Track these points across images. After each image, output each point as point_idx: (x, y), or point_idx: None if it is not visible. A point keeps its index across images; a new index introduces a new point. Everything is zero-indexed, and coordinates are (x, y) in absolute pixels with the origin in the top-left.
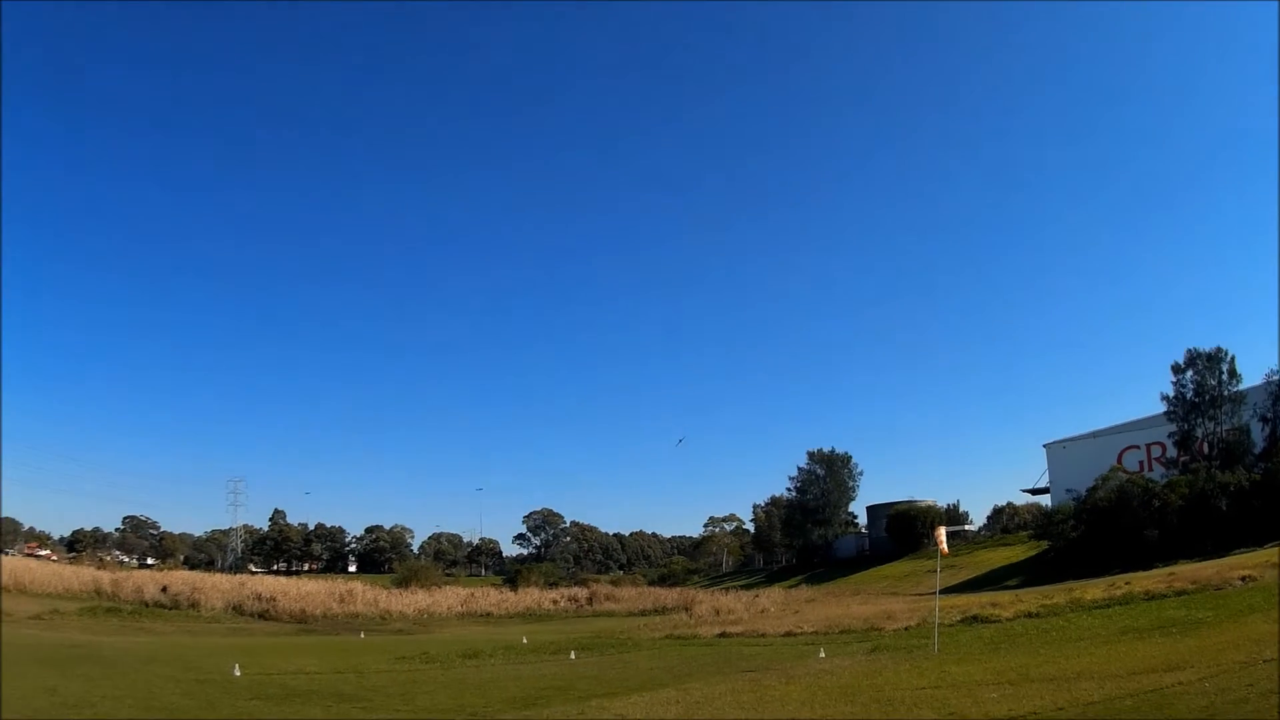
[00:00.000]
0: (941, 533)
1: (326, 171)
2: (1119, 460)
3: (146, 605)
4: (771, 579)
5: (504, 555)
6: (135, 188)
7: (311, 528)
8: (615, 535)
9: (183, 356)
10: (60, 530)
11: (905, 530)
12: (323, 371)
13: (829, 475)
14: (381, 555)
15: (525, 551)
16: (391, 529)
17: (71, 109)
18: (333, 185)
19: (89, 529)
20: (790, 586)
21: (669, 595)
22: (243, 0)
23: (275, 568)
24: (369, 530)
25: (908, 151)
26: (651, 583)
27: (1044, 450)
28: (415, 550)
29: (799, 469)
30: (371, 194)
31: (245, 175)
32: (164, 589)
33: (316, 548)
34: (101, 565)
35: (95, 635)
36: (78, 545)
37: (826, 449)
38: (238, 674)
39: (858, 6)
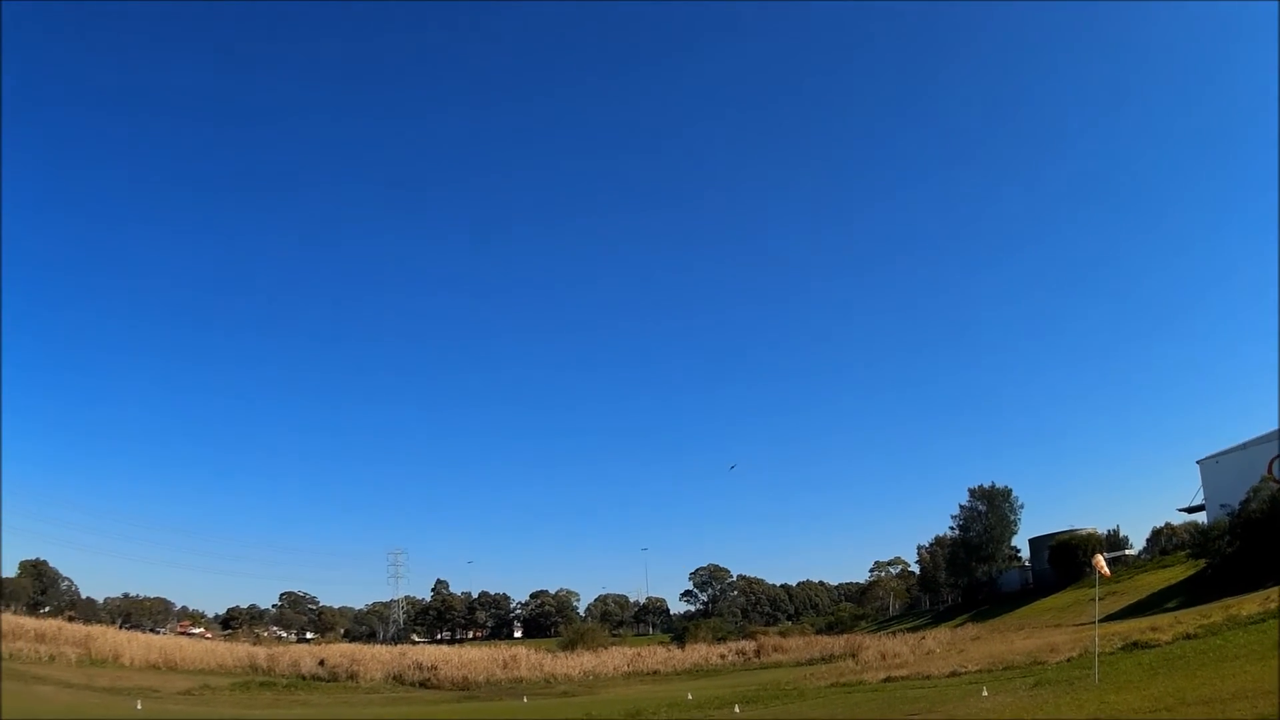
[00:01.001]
0: (1100, 560)
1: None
2: (1269, 470)
3: (303, 678)
4: (938, 619)
5: (671, 613)
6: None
7: (475, 596)
8: (783, 586)
9: (338, 432)
10: (216, 608)
11: (1067, 560)
12: (480, 440)
13: (990, 511)
14: (547, 620)
15: (693, 608)
16: (557, 593)
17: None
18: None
19: (245, 606)
20: (956, 625)
21: (836, 642)
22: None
23: (439, 637)
24: (534, 595)
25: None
26: (819, 631)
27: (1197, 467)
28: (581, 613)
29: (960, 506)
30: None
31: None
32: (321, 662)
33: (481, 615)
34: (257, 641)
35: (247, 710)
36: (232, 622)
37: (987, 484)
38: None
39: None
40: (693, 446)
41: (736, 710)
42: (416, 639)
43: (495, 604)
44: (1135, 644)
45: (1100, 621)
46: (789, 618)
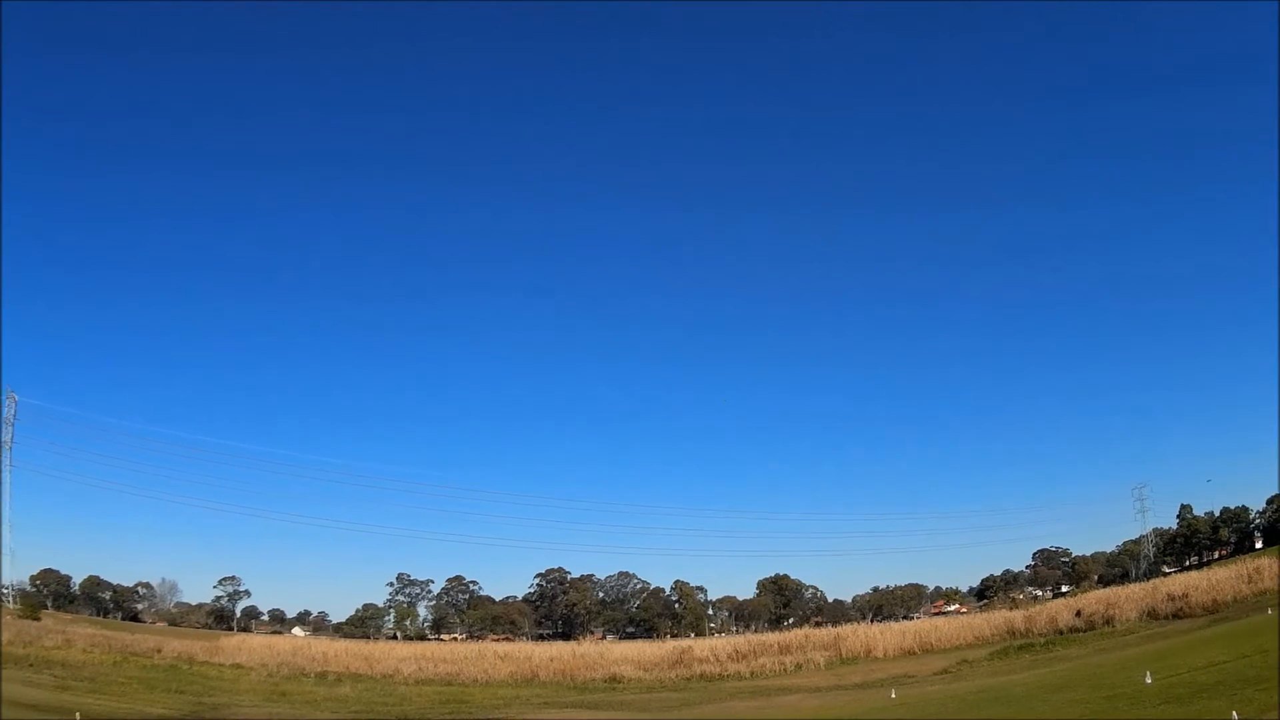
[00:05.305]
0: None
1: None
2: None
3: (1060, 634)
4: None
5: None
6: None
7: (1217, 514)
8: None
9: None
10: (969, 582)
11: None
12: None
13: None
14: None
15: None
16: None
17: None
18: None
19: (998, 573)
20: None
21: None
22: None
23: (1186, 564)
24: (1269, 501)
25: None
26: None
27: None
28: None
29: None
30: None
31: None
32: (1078, 613)
33: (1224, 533)
34: (1013, 605)
35: (1006, 676)
36: (987, 592)
37: None
38: (1149, 681)
39: None
40: None
41: None
42: (1167, 570)
43: (1235, 518)
44: None
45: None
46: None
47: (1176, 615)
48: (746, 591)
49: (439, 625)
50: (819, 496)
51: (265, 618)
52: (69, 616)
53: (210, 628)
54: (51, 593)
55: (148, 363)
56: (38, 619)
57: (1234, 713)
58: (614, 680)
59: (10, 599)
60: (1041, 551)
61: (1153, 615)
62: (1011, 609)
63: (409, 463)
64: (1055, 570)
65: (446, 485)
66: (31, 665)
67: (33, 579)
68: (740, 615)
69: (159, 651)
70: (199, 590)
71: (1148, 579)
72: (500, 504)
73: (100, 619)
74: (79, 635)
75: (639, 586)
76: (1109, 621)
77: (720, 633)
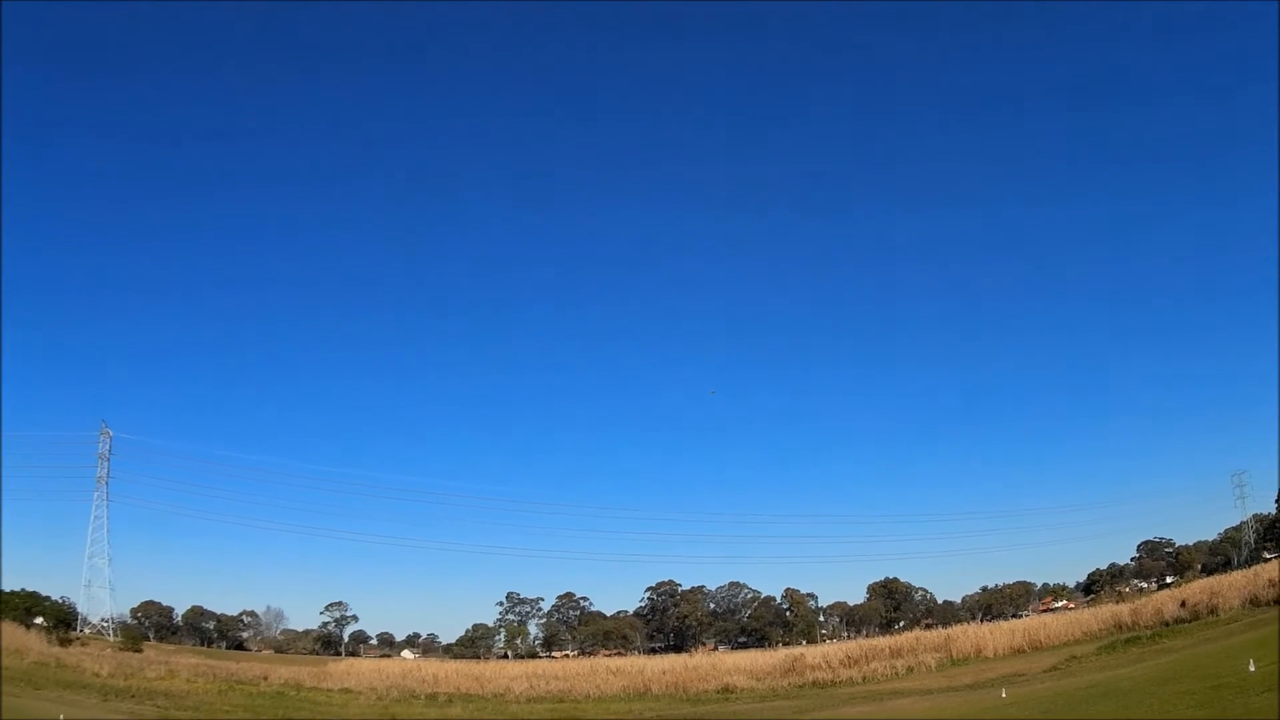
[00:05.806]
0: None
1: None
2: None
3: (1166, 625)
4: None
5: None
6: None
7: None
8: None
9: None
10: (1076, 577)
11: None
12: None
13: None
14: None
15: None
16: None
17: None
18: None
19: (1104, 567)
20: None
21: None
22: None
23: None
24: None
25: None
26: None
27: None
28: None
29: None
30: None
31: None
32: (1182, 604)
33: None
34: (1119, 599)
35: (1114, 670)
36: (1094, 586)
37: None
38: (1252, 669)
39: None
40: None
41: None
42: (1268, 555)
43: None
44: None
45: None
46: None
47: (1278, 601)
48: (857, 596)
49: (550, 643)
50: (926, 498)
51: (374, 642)
52: (171, 647)
53: (318, 654)
54: (153, 624)
55: (241, 388)
56: (139, 650)
57: None
58: (727, 690)
59: (111, 632)
60: (1145, 543)
61: (1255, 602)
62: (1118, 603)
63: (515, 482)
64: (1159, 561)
65: (554, 503)
66: (134, 696)
67: (133, 611)
68: (851, 620)
69: (265, 679)
70: (305, 617)
71: (1249, 566)
72: (609, 520)
73: (204, 649)
74: (182, 665)
75: (750, 596)
76: (1213, 610)
77: (831, 639)
